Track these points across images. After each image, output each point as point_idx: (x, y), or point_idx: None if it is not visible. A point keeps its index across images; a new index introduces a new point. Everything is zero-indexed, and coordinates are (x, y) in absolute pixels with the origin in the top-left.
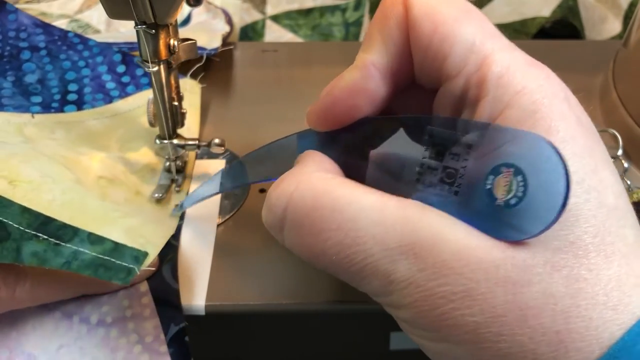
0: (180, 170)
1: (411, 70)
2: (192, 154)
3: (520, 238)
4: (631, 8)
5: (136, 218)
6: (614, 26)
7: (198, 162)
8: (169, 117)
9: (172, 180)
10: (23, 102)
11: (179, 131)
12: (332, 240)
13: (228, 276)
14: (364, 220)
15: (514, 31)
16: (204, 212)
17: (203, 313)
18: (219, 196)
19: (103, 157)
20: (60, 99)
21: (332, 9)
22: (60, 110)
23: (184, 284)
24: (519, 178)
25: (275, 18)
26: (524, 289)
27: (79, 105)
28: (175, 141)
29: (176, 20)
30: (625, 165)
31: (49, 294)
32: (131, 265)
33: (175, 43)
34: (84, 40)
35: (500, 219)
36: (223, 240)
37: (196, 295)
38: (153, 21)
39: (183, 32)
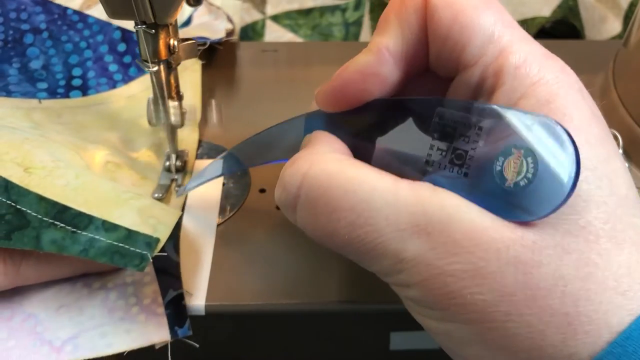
0: (180, 170)
1: (426, 57)
2: (192, 154)
3: (529, 219)
4: (631, 8)
5: (146, 199)
6: (614, 26)
7: (198, 161)
8: (169, 117)
9: (172, 180)
10: (30, 89)
11: (179, 131)
12: (345, 219)
13: (228, 276)
14: (377, 201)
15: None
16: (204, 212)
17: (203, 313)
18: (219, 196)
19: (109, 150)
20: (65, 85)
21: (332, 9)
22: (66, 95)
23: (184, 284)
24: (529, 160)
25: (275, 18)
26: (534, 270)
27: (84, 90)
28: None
29: (176, 20)
30: (626, 165)
31: (54, 272)
32: (144, 252)
33: (175, 43)
34: (84, 18)
35: (510, 200)
36: (223, 240)
37: (196, 295)
38: (153, 21)
39: (184, 33)
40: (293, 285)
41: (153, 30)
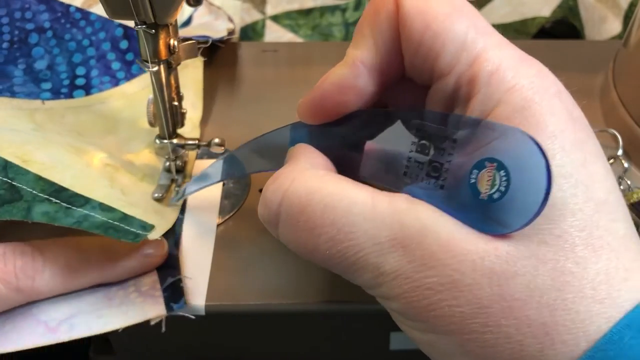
0: (180, 170)
1: (401, 66)
2: (192, 154)
3: (504, 232)
4: (631, 8)
5: (139, 208)
6: (614, 26)
7: (198, 162)
8: (169, 117)
9: (172, 180)
10: (34, 89)
11: (180, 131)
12: (325, 235)
13: (228, 276)
14: (356, 216)
15: (514, 31)
16: (204, 212)
17: (203, 313)
18: (219, 196)
19: (108, 153)
20: (69, 84)
21: (332, 9)
22: (70, 95)
23: (183, 284)
24: (502, 173)
25: (275, 18)
26: (509, 281)
27: (87, 89)
28: (175, 141)
29: (176, 20)
30: (625, 165)
31: (66, 285)
32: (139, 231)
33: (175, 43)
34: (86, 15)
35: (485, 213)
36: (223, 240)
37: (196, 295)
38: (153, 21)
39: (184, 33)
40: (293, 286)
41: (153, 30)
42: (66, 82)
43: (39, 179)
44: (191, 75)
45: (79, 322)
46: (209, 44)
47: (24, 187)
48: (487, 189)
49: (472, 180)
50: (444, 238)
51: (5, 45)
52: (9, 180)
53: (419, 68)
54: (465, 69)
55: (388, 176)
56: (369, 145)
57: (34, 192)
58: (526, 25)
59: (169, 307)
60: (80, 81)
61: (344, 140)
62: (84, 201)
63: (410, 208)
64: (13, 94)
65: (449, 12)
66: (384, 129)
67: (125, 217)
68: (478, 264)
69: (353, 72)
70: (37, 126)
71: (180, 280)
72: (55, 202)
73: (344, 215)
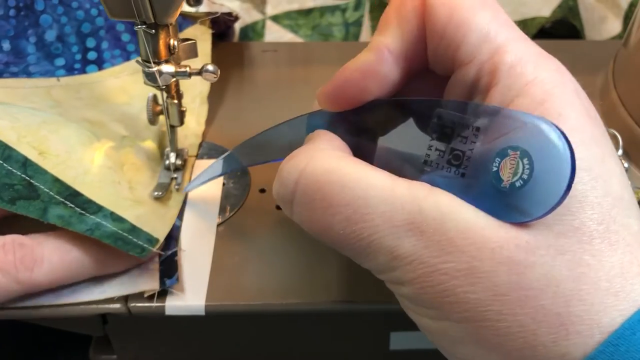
0: (180, 169)
1: (425, 56)
2: (192, 154)
3: (524, 220)
4: (631, 8)
5: (144, 207)
6: (614, 26)
7: (198, 161)
8: (169, 116)
9: (172, 179)
10: (49, 67)
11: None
12: (340, 215)
13: (228, 276)
14: (373, 198)
15: None
16: (204, 212)
17: (203, 313)
18: (219, 196)
19: (119, 136)
20: (81, 59)
21: (332, 9)
22: (83, 71)
23: (184, 284)
24: (525, 161)
25: (275, 18)
26: (527, 270)
27: (100, 64)
28: (164, 67)
29: (176, 21)
30: (625, 165)
31: (64, 278)
32: (145, 245)
33: (175, 43)
34: None
35: (505, 201)
36: (223, 240)
37: (196, 295)
38: (153, 21)
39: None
40: (293, 285)
41: (153, 30)
42: (78, 56)
43: (56, 180)
44: (200, 48)
45: (81, 288)
46: (218, 15)
47: (41, 186)
48: (509, 176)
49: (495, 168)
50: (463, 225)
51: (12, 12)
52: (27, 178)
53: (442, 57)
54: (486, 59)
55: (406, 165)
56: (389, 133)
57: (51, 193)
58: (526, 25)
59: (162, 282)
60: (92, 55)
61: (362, 128)
62: (97, 208)
63: (429, 194)
64: (29, 75)
65: (472, 4)
66: (405, 118)
67: (133, 229)
68: (497, 252)
69: (378, 58)
70: (55, 102)
71: (175, 254)
72: (70, 207)
73: (361, 196)
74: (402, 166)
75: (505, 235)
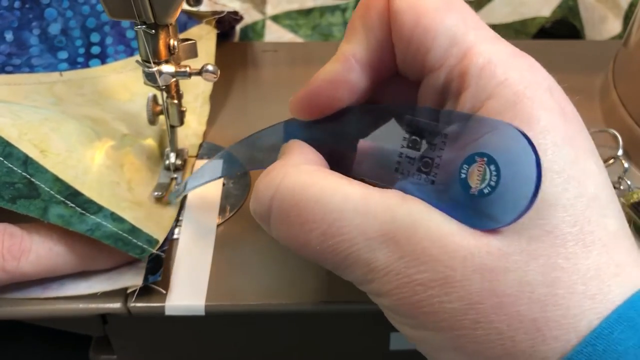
0: (180, 169)
1: (394, 61)
2: (191, 153)
3: (495, 227)
4: (631, 8)
5: (141, 209)
6: (614, 26)
7: (198, 162)
8: (169, 116)
9: (172, 179)
10: (51, 60)
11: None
12: (316, 230)
13: (228, 276)
14: (347, 212)
15: (514, 31)
16: (203, 212)
17: (203, 313)
18: (218, 196)
19: (119, 134)
20: (84, 53)
21: (332, 9)
22: (86, 65)
23: (184, 284)
24: (492, 167)
25: (275, 18)
26: (500, 277)
27: (103, 59)
28: (164, 67)
29: (176, 21)
30: (625, 165)
31: (52, 269)
32: (145, 246)
33: (175, 43)
34: None
35: (475, 208)
36: (223, 240)
37: (196, 295)
38: (153, 21)
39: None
40: (293, 286)
41: (153, 30)
42: (81, 50)
43: (57, 179)
44: (204, 47)
45: (68, 282)
46: (224, 14)
47: (42, 185)
48: (477, 183)
49: (463, 175)
50: (435, 233)
51: (17, 4)
52: (28, 176)
53: (411, 63)
54: (455, 63)
55: (380, 172)
56: (362, 141)
57: (52, 192)
58: (526, 26)
59: (145, 278)
60: (95, 49)
61: (336, 136)
62: (97, 208)
63: (401, 203)
64: (32, 68)
65: (439, 7)
66: (376, 125)
67: (133, 230)
68: (469, 260)
69: (345, 67)
70: (57, 99)
71: (163, 252)
72: (71, 207)
73: (335, 210)
74: (378, 172)
75: (476, 242)
